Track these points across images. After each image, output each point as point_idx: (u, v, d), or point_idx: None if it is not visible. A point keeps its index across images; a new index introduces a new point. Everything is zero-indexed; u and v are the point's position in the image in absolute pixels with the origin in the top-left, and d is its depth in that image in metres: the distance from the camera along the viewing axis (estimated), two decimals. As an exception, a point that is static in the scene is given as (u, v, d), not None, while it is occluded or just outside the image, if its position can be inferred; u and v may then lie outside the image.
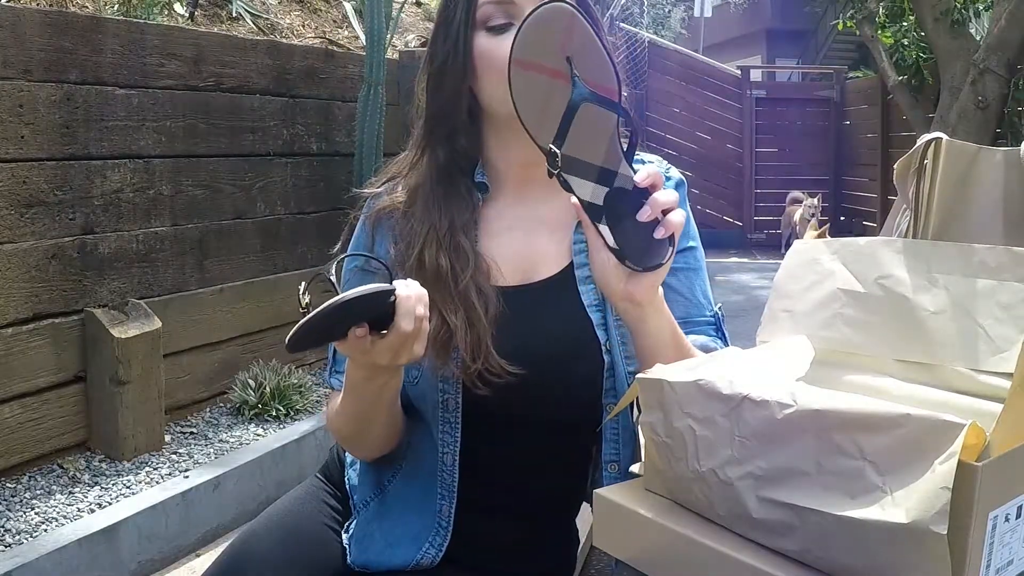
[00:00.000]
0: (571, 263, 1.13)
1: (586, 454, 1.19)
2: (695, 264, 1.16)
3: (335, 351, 1.16)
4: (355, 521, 1.16)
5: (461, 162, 1.14)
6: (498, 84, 1.03)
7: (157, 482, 2.63)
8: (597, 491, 0.90)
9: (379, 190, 1.18)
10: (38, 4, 3.06)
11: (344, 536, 1.17)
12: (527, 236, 1.14)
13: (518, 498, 1.15)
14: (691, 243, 1.16)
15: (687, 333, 1.08)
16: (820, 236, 1.11)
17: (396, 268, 1.09)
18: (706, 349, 1.10)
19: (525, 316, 1.10)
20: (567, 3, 0.92)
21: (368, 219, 1.16)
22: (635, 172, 0.95)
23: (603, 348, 1.09)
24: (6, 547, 2.20)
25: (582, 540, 1.25)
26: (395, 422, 1.12)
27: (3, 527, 2.30)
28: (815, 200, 8.33)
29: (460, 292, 1.07)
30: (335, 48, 4.33)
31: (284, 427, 3.12)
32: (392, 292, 0.90)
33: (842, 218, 9.38)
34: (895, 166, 1.14)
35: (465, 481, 1.11)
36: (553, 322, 1.11)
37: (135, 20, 3.15)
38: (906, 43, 7.34)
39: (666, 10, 20.07)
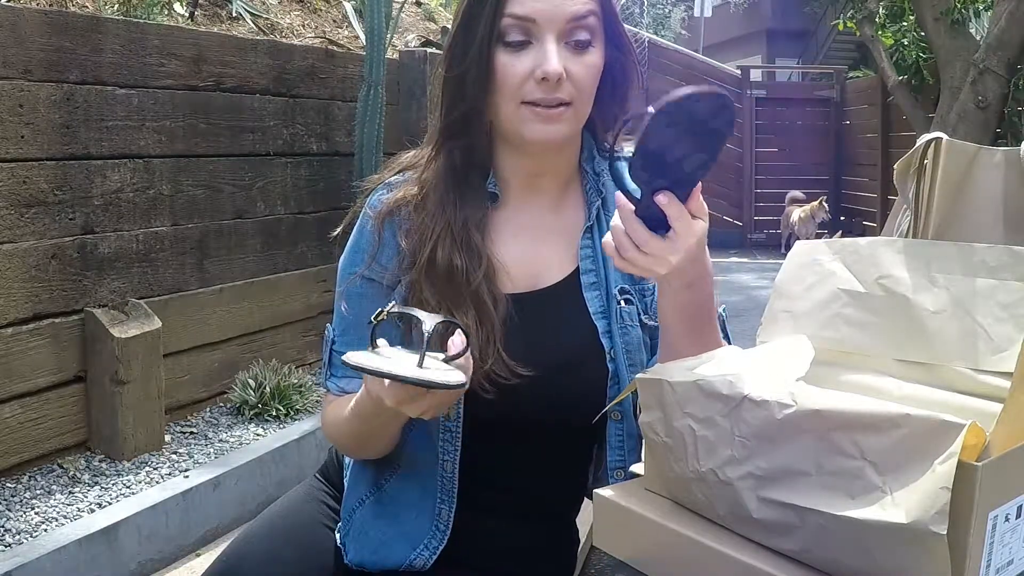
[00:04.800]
0: (576, 269, 1.13)
1: (587, 455, 1.19)
2: None
3: (331, 353, 1.16)
4: (352, 519, 1.16)
5: (476, 166, 1.13)
6: (508, 101, 1.05)
7: (157, 482, 2.63)
8: (597, 491, 0.90)
9: (391, 177, 1.17)
10: (38, 4, 3.06)
11: (338, 536, 1.17)
12: (533, 243, 1.14)
13: (517, 500, 1.15)
14: None
15: None
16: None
17: (406, 260, 1.10)
18: None
19: (532, 322, 1.10)
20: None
21: (377, 215, 1.13)
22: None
23: (607, 356, 1.09)
24: (6, 547, 2.20)
25: (582, 540, 1.25)
26: (396, 435, 1.12)
27: (3, 527, 2.30)
28: (822, 203, 8.37)
29: (472, 292, 1.07)
30: (335, 48, 4.33)
31: (284, 427, 3.12)
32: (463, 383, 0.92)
33: (842, 218, 9.37)
34: (895, 166, 1.14)
35: (464, 484, 1.11)
36: (559, 328, 1.11)
37: (135, 20, 3.14)
38: (906, 43, 7.34)
39: (666, 10, 20.12)
